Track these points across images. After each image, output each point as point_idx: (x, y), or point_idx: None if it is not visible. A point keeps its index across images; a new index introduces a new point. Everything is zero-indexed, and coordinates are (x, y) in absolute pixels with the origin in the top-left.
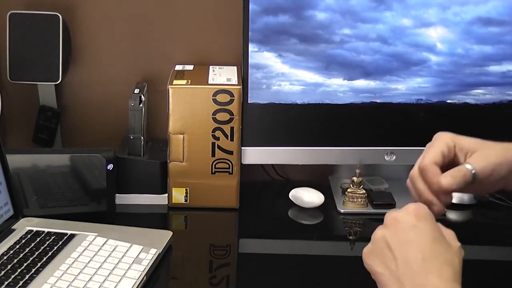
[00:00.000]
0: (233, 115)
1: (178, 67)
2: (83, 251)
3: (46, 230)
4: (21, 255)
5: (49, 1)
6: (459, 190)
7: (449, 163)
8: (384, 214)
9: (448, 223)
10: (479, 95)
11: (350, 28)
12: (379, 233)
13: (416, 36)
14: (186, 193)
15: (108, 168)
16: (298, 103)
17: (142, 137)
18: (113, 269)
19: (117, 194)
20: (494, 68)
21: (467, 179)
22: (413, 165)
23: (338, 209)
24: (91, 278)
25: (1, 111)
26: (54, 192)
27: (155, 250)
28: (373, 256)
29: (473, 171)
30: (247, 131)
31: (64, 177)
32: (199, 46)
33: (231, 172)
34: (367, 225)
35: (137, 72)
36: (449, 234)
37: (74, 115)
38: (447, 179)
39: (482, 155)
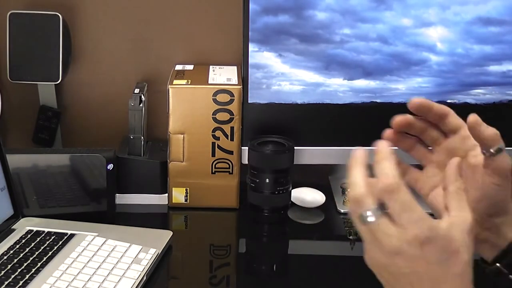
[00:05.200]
0: (233, 115)
1: (178, 67)
2: (82, 251)
3: (46, 230)
4: (21, 255)
5: (49, 1)
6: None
7: None
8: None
9: None
10: (479, 95)
11: (350, 28)
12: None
13: (416, 36)
14: (186, 193)
15: (108, 168)
16: (298, 103)
17: (142, 137)
18: (112, 269)
19: (117, 194)
20: (494, 68)
21: (499, 141)
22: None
23: (338, 209)
24: (90, 278)
25: (1, 111)
26: (54, 192)
27: (155, 250)
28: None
29: (501, 145)
30: (247, 131)
31: (64, 177)
32: (199, 46)
33: (231, 172)
34: None
35: (137, 72)
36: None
37: (74, 115)
38: (491, 130)
39: None
